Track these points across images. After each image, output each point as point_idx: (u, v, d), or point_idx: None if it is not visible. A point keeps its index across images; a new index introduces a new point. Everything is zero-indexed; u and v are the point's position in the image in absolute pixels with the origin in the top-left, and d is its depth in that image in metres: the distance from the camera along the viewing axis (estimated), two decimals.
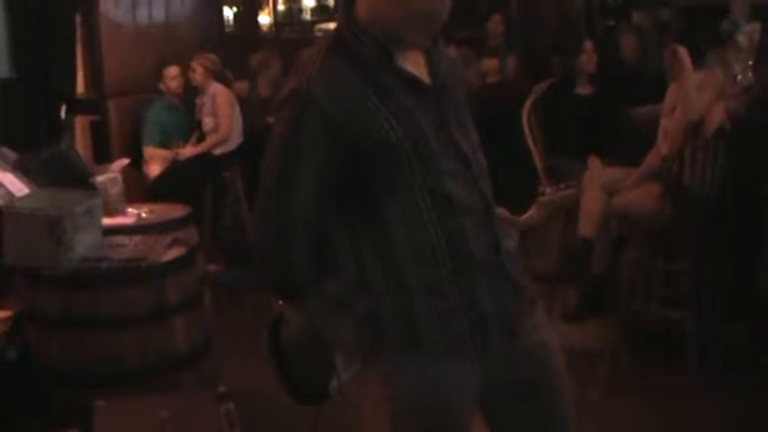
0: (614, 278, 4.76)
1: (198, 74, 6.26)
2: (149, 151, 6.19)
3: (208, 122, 6.23)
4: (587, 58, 5.65)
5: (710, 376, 4.04)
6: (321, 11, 8.59)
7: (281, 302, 1.99)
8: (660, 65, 5.64)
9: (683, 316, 4.22)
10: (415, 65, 1.85)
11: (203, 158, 6.15)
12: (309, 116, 1.74)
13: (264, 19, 8.64)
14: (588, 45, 5.70)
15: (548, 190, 4.82)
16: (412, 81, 1.82)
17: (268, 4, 8.65)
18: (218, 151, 6.20)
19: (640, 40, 5.86)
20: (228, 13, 8.33)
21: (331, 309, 1.93)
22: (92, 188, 3.93)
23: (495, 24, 7.24)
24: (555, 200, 4.83)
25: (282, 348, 1.99)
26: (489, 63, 7.15)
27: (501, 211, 2.02)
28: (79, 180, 4.04)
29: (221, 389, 2.79)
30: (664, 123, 4.62)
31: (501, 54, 7.06)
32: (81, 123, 5.97)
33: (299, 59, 6.38)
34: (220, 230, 6.31)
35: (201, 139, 6.28)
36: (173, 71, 6.30)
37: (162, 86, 6.32)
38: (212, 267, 5.85)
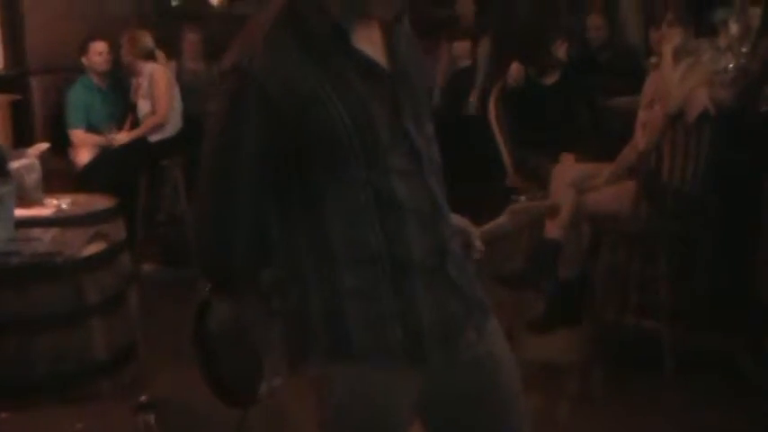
0: (586, 284, 4.71)
1: (126, 52, 6.12)
2: (78, 136, 6.04)
3: (144, 106, 6.10)
4: (560, 45, 5.74)
5: (686, 388, 4.00)
6: None
7: (210, 289, 1.95)
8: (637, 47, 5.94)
9: (660, 326, 4.18)
10: (371, 44, 1.79)
11: (139, 145, 6.01)
12: (251, 96, 1.70)
13: None
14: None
15: (522, 198, 4.80)
16: (368, 65, 1.77)
17: None
18: (155, 138, 6.07)
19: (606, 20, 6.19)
20: None
21: (262, 305, 1.90)
22: (5, 175, 3.88)
23: (465, 4, 7.23)
24: (529, 208, 4.75)
25: (209, 341, 1.97)
26: (461, 46, 7.11)
27: (461, 221, 2.00)
28: None
29: (142, 399, 2.79)
30: (641, 115, 4.60)
31: (472, 37, 7.03)
32: (0, 103, 5.84)
33: (245, 27, 6.35)
34: (155, 226, 6.24)
35: (136, 124, 6.14)
36: (100, 46, 6.11)
37: (84, 61, 6.11)
38: (146, 266, 5.83)
